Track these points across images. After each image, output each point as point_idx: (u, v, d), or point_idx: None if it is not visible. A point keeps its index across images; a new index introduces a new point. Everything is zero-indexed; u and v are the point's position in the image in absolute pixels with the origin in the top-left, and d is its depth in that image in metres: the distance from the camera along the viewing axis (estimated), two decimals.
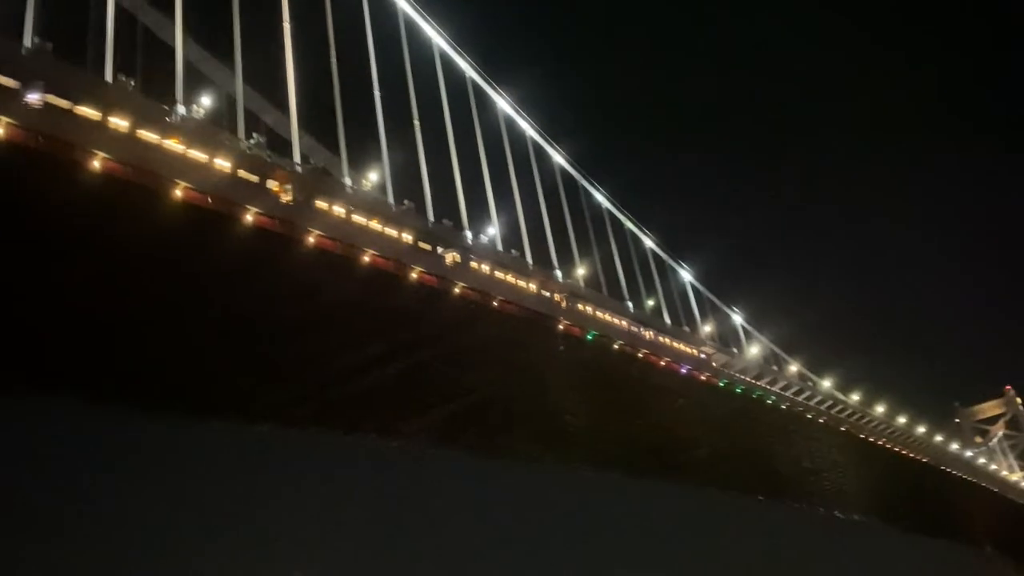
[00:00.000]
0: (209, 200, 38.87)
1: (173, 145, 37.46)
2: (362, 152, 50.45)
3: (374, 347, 51.44)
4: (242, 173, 40.62)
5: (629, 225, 74.65)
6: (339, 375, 54.72)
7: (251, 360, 51.67)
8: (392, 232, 48.41)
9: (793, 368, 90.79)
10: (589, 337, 60.87)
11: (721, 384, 74.48)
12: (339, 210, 45.36)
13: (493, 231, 57.00)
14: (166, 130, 37.36)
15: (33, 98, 32.20)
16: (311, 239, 43.96)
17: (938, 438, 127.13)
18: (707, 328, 78.41)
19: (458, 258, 51.56)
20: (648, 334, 67.62)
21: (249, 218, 40.49)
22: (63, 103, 33.45)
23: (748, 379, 79.42)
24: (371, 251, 46.57)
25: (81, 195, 34.20)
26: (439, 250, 50.74)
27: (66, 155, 33.78)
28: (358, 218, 46.35)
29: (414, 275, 48.94)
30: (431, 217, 52.04)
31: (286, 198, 42.31)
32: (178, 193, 37.34)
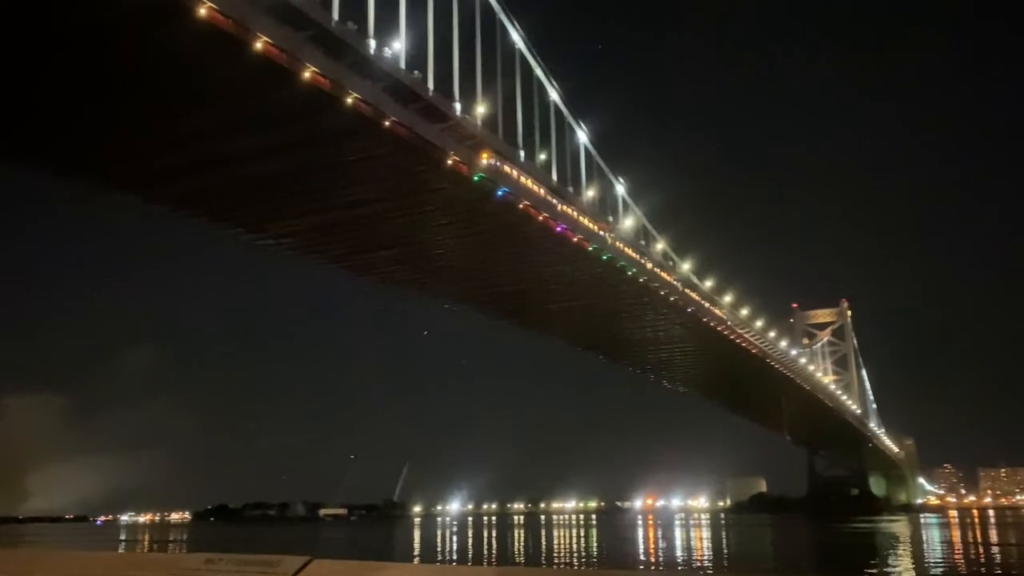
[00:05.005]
0: None
1: None
2: None
3: (251, 140, 49.12)
4: None
5: (539, 72, 72.96)
6: (212, 161, 52.41)
7: (130, 128, 48.40)
8: (289, 23, 45.08)
9: (660, 246, 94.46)
10: (476, 178, 60.24)
11: (591, 248, 76.48)
12: None
13: (399, 46, 53.99)
14: None
15: None
16: (203, 11, 40.43)
17: (772, 333, 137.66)
18: (590, 193, 79.40)
19: None
20: (533, 187, 67.73)
21: None
22: None
23: (616, 247, 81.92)
24: (265, 39, 43.39)
25: None
26: None
27: None
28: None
29: (307, 74, 46.20)
30: (336, 15, 48.67)
31: None
32: None
